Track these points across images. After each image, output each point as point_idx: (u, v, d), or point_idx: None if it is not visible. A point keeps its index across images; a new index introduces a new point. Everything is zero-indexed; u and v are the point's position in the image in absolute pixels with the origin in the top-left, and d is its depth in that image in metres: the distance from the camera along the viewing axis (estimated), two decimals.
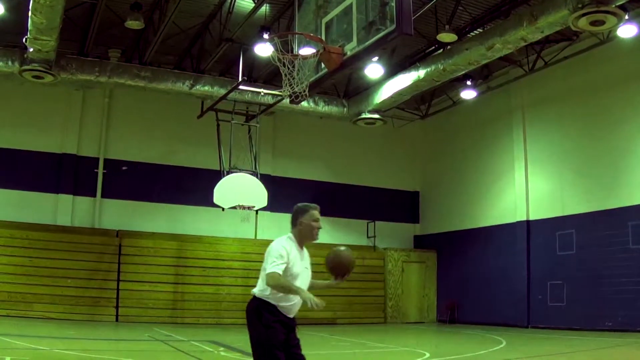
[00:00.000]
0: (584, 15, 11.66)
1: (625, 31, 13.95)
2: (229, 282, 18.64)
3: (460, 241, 21.34)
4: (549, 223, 17.88)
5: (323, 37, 7.81)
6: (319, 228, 4.76)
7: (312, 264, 4.83)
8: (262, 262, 4.63)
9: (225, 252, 19.21)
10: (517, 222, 18.92)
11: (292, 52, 7.75)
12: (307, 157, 22.01)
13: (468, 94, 19.09)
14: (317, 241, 4.79)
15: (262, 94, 17.30)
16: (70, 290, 16.65)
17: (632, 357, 11.05)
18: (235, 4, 14.81)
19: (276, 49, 7.62)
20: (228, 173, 16.61)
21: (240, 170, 16.70)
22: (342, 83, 19.54)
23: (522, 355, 11.48)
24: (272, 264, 4.45)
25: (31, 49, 14.12)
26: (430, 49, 16.99)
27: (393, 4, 6.74)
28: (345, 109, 19.47)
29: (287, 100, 13.26)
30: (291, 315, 4.64)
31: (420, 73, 16.13)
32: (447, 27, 14.81)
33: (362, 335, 16.11)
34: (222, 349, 11.71)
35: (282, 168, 21.28)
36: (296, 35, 8.04)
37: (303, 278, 4.67)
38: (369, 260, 21.04)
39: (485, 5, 15.20)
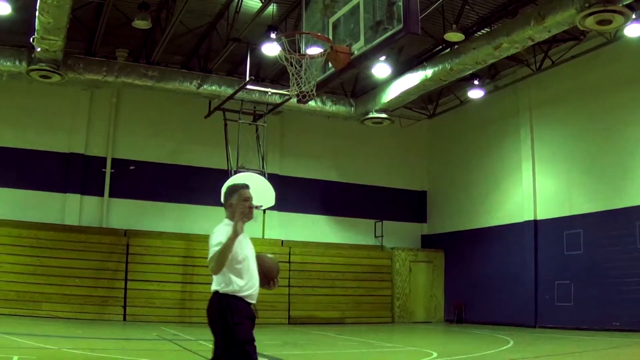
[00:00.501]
0: (591, 14, 11.66)
1: (633, 30, 13.85)
2: None
3: (467, 241, 21.29)
4: (556, 223, 17.82)
5: (330, 37, 7.82)
6: (251, 207, 4.47)
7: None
8: None
9: None
10: (525, 221, 18.87)
11: (299, 51, 7.76)
12: (314, 156, 21.99)
13: (475, 93, 19.07)
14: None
15: (269, 93, 17.33)
16: (78, 290, 16.69)
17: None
18: (243, 3, 14.83)
19: (283, 49, 7.65)
20: (235, 172, 16.65)
21: (248, 170, 16.75)
22: (349, 82, 19.52)
23: (529, 355, 11.43)
24: (212, 252, 4.23)
25: (38, 49, 14.17)
26: (438, 49, 16.96)
27: (400, 3, 6.75)
28: (352, 109, 19.46)
29: (294, 100, 13.35)
30: (254, 301, 4.42)
31: (428, 72, 16.12)
32: (454, 26, 14.81)
33: (370, 335, 16.06)
34: None
35: (289, 167, 21.29)
36: (303, 35, 8.05)
37: (252, 261, 4.47)
38: (376, 260, 21.00)
39: (492, 5, 15.17)
